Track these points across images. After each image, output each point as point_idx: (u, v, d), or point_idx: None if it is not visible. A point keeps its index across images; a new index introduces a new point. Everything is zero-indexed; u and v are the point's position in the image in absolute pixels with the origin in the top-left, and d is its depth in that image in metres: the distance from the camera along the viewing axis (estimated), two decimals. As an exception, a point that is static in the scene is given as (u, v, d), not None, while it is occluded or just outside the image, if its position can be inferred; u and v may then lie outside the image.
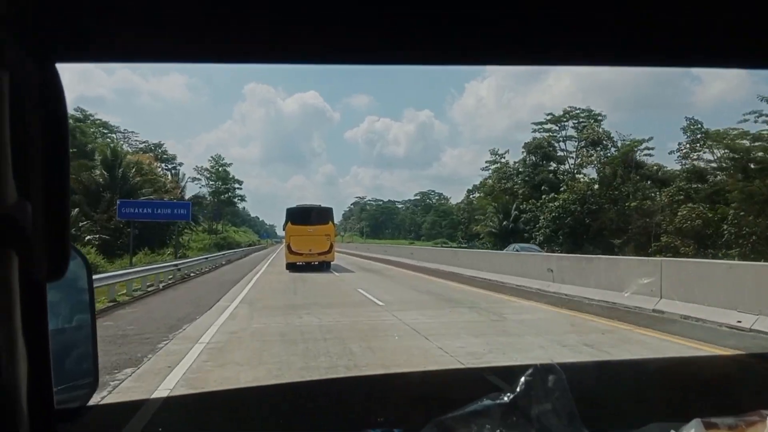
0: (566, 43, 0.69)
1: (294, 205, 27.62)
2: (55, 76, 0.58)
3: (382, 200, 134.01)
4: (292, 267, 24.64)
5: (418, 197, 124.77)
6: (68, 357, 0.95)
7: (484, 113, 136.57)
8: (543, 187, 53.02)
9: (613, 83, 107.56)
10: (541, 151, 57.37)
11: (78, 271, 0.98)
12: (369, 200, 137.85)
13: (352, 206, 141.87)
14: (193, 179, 70.40)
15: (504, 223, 53.58)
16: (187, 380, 5.66)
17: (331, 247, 25.67)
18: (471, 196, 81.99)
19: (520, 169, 58.63)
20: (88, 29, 0.61)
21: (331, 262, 25.76)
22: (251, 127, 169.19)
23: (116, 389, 5.34)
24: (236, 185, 79.25)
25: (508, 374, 0.87)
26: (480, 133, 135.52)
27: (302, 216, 25.99)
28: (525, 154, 58.50)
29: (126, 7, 0.59)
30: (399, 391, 1.08)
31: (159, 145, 63.97)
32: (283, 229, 27.34)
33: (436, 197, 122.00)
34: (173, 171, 59.61)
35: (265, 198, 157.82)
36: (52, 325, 0.77)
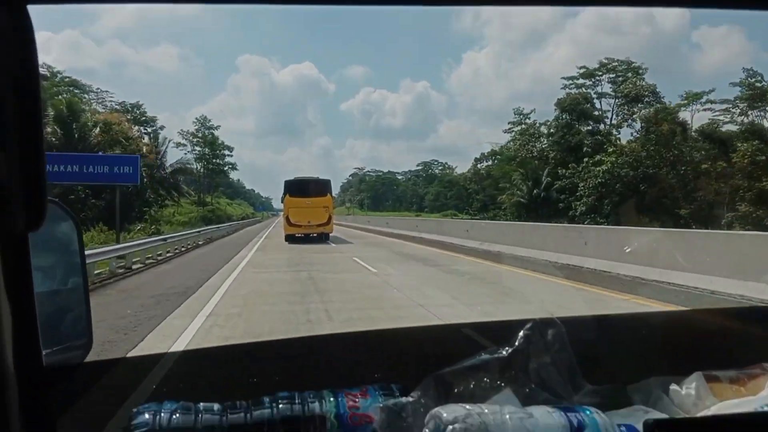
0: None
1: (292, 178, 27.50)
2: (26, 18, 0.55)
3: (381, 171, 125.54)
4: (291, 239, 24.75)
5: (420, 167, 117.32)
6: (62, 317, 0.93)
7: (483, 83, 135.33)
8: (585, 149, 45.18)
9: (614, 51, 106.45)
10: (578, 109, 48.06)
11: (69, 232, 0.95)
12: (368, 171, 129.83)
13: (350, 178, 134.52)
14: (178, 145, 60.80)
15: (534, 191, 46.09)
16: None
17: (330, 218, 25.75)
18: (479, 166, 77.10)
19: (551, 130, 50.39)
20: None
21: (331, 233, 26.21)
22: (245, 99, 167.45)
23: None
24: (226, 152, 69.75)
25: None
26: (478, 103, 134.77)
27: (300, 188, 25.97)
28: (557, 112, 49.09)
29: None
30: (395, 346, 1.08)
31: (137, 106, 52.42)
32: (281, 202, 27.26)
33: (440, 167, 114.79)
34: (152, 135, 49.43)
35: (261, 171, 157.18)
36: (43, 287, 0.74)
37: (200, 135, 64.62)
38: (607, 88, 49.03)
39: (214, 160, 66.31)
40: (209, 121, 65.58)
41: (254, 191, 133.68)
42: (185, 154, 60.91)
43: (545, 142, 51.43)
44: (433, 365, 0.82)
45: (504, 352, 0.83)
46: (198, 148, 64.83)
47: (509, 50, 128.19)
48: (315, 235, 24.98)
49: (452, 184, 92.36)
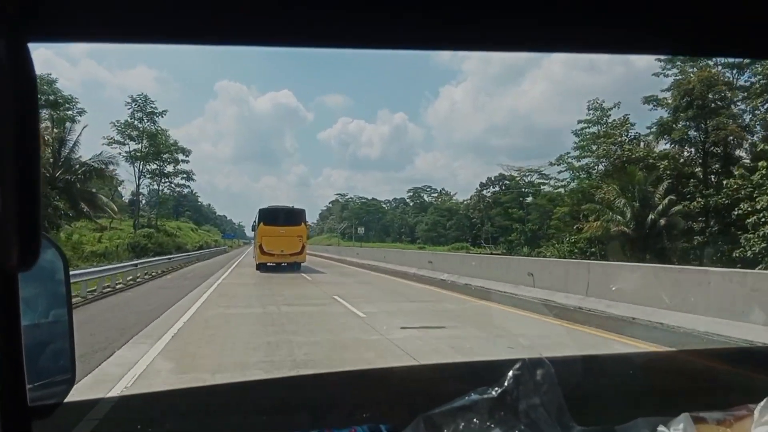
0: (566, 29, 0.67)
1: (266, 206, 27.70)
2: (26, 55, 0.55)
3: (366, 197, 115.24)
4: (263, 267, 24.71)
5: (410, 194, 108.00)
6: (44, 353, 0.91)
7: (459, 117, 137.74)
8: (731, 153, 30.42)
9: (589, 88, 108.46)
10: (717, 95, 31.57)
11: (54, 262, 0.93)
12: (351, 197, 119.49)
13: (330, 205, 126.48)
14: (111, 143, 43.37)
15: (650, 216, 29.82)
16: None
17: (303, 248, 25.75)
18: (484, 192, 72.80)
19: (674, 125, 33.24)
20: (59, 7, 0.58)
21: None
22: (223, 125, 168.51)
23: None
24: (181, 156, 49.56)
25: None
26: (454, 137, 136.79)
27: (274, 216, 25.97)
28: (676, 100, 32.45)
29: None
30: (383, 386, 1.07)
31: (48, 82, 35.46)
32: (252, 230, 27.36)
33: (434, 193, 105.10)
34: (55, 119, 33.27)
35: (236, 197, 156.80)
36: (27, 320, 0.73)
37: (135, 124, 44.03)
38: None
39: (156, 162, 46.77)
40: (152, 104, 44.62)
41: (226, 217, 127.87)
42: (119, 154, 42.53)
43: (654, 143, 36.27)
44: (422, 405, 0.81)
45: (493, 393, 0.83)
46: (132, 143, 44.57)
47: (487, 84, 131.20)
48: (286, 264, 24.95)
49: (451, 213, 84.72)
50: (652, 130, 36.77)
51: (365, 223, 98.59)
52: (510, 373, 0.84)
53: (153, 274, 21.75)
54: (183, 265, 28.94)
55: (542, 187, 64.90)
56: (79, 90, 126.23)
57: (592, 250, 33.48)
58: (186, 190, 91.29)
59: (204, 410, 0.96)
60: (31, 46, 0.56)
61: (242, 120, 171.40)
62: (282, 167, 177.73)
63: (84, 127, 34.34)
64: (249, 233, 31.02)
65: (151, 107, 44.92)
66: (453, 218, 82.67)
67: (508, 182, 70.43)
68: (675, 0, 0.64)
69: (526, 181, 68.27)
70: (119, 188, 47.17)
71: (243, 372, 6.10)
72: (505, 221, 65.49)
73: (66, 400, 0.83)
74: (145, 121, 44.68)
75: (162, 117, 45.45)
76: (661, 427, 0.86)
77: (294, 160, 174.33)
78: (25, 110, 0.54)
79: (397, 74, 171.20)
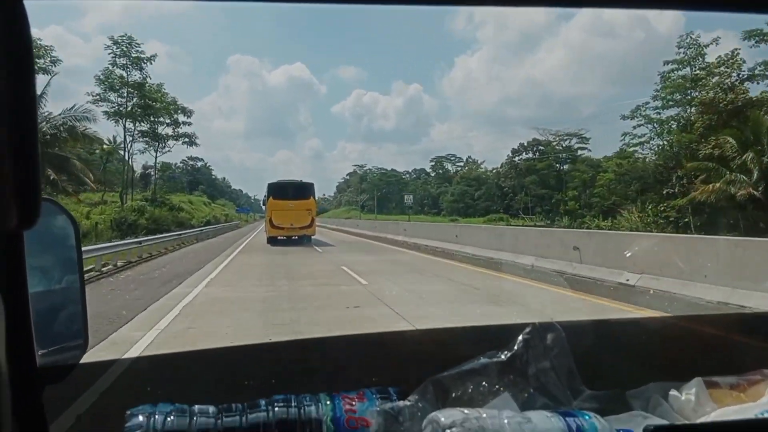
0: None
1: (275, 180, 27.88)
2: (22, 14, 0.54)
3: (384, 168, 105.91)
4: (273, 241, 25.24)
5: (433, 163, 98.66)
6: (57, 318, 0.92)
7: (474, 87, 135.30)
8: None
9: (607, 54, 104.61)
10: None
11: (65, 228, 0.93)
12: (369, 168, 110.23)
13: (347, 177, 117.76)
14: (97, 101, 34.83)
15: None
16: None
17: (312, 221, 26.18)
18: (516, 159, 65.77)
19: None
20: None
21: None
22: (236, 100, 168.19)
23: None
24: (181, 117, 41.04)
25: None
26: (470, 107, 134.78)
27: (283, 191, 26.44)
28: None
29: None
30: (393, 349, 1.07)
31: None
32: (263, 205, 27.58)
33: (459, 162, 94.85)
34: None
35: (251, 172, 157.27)
36: (39, 287, 0.74)
37: (117, 72, 35.65)
38: None
39: (148, 117, 37.71)
40: (137, 46, 35.61)
41: (242, 191, 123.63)
42: (106, 113, 34.88)
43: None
44: (431, 369, 0.81)
45: (503, 356, 0.83)
46: (112, 94, 35.85)
47: (502, 53, 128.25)
48: (296, 237, 25.44)
49: (479, 182, 77.52)
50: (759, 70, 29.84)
51: (385, 195, 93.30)
52: (520, 337, 0.84)
53: (118, 264, 14.71)
54: (179, 245, 23.38)
55: (580, 153, 61.74)
56: (92, 66, 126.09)
57: (685, 220, 26.35)
58: (199, 164, 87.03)
59: (212, 373, 0.97)
60: (26, 2, 0.54)
61: (256, 94, 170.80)
62: (296, 141, 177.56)
63: (53, 76, 27.74)
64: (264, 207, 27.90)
65: (138, 51, 35.82)
66: (482, 188, 75.84)
67: (542, 148, 65.60)
68: None
69: (564, 145, 63.42)
70: (127, 158, 40.74)
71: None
72: (541, 190, 60.95)
73: (81, 362, 0.84)
74: (131, 68, 35.86)
75: (151, 64, 36.74)
76: (673, 392, 0.86)
77: (308, 133, 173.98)
78: (20, 67, 0.53)
79: (411, 44, 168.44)
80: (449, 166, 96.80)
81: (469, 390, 0.80)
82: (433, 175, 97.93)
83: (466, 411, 0.73)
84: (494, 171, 77.01)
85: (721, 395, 0.85)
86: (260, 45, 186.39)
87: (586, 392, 0.84)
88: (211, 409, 0.74)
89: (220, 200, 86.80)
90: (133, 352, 5.54)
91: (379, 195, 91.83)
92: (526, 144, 68.71)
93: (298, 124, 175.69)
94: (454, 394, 0.80)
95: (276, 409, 0.75)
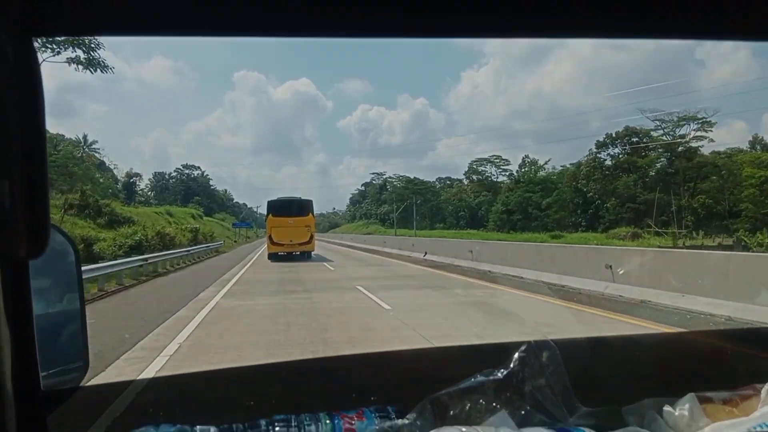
0: (581, 12, 0.66)
1: (275, 198, 28.68)
2: (31, 51, 0.56)
3: (408, 176, 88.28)
4: (274, 257, 25.64)
5: (475, 164, 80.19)
6: (58, 340, 0.93)
7: (481, 101, 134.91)
8: None
9: (616, 67, 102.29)
10: None
11: (65, 252, 0.95)
12: (390, 176, 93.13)
13: (362, 188, 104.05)
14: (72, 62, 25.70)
15: None
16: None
17: (312, 237, 26.71)
18: (602, 154, 50.64)
19: None
20: (62, 3, 0.59)
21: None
22: (242, 116, 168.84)
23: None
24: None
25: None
26: (476, 121, 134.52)
27: (283, 208, 27.04)
28: None
29: None
30: (391, 368, 1.08)
31: None
32: (265, 221, 28.29)
33: (506, 165, 74.91)
34: None
35: (258, 188, 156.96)
36: (40, 309, 0.75)
37: None
38: None
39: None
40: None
41: (246, 205, 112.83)
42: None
43: None
44: (429, 387, 0.82)
45: (499, 374, 0.84)
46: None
47: (509, 66, 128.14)
48: (298, 253, 25.87)
49: (546, 187, 59.00)
50: None
51: (410, 206, 74.33)
52: (516, 355, 0.85)
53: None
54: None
55: (699, 144, 45.12)
56: (97, 83, 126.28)
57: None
58: (196, 173, 78.16)
59: (210, 394, 0.98)
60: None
61: (262, 110, 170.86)
62: (302, 157, 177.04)
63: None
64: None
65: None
66: (551, 194, 57.06)
67: (639, 139, 49.82)
68: None
69: (676, 134, 46.54)
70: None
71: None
72: (647, 194, 44.49)
73: (81, 384, 0.85)
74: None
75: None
76: (667, 408, 0.87)
77: (314, 149, 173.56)
78: (30, 104, 0.55)
79: (417, 58, 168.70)
80: (491, 170, 77.52)
81: (467, 408, 0.81)
82: (466, 182, 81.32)
83: (464, 429, 0.74)
84: (568, 170, 57.55)
85: (715, 410, 0.86)
86: (266, 61, 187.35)
87: (581, 409, 0.86)
88: (213, 429, 0.75)
89: (220, 214, 78.91)
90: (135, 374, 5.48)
91: (404, 206, 74.16)
92: (614, 135, 51.09)
93: (304, 139, 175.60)
94: (452, 412, 0.81)
95: (276, 428, 0.76)
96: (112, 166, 43.69)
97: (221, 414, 0.80)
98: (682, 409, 0.86)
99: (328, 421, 0.77)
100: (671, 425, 0.85)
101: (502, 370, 0.84)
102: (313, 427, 0.76)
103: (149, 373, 5.52)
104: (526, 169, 69.65)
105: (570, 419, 0.84)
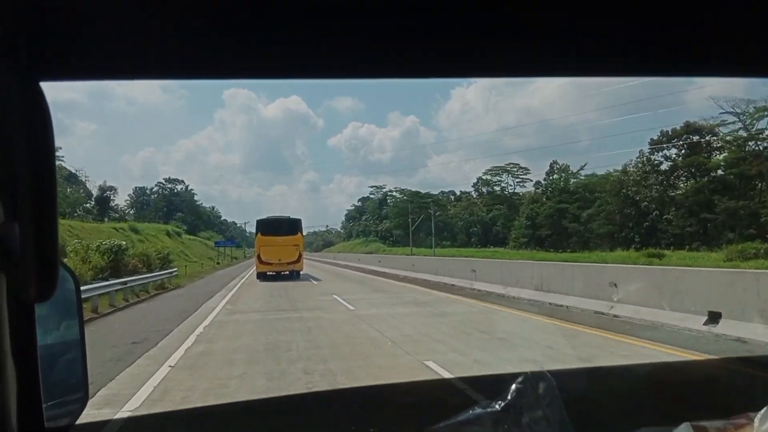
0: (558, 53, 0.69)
1: (265, 217, 28.70)
2: (40, 94, 0.57)
3: (409, 189, 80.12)
4: (262, 276, 25.33)
5: (491, 174, 69.06)
6: (58, 373, 0.94)
7: (471, 118, 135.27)
8: None
9: (605, 84, 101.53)
10: None
11: (65, 285, 0.96)
12: (391, 190, 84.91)
13: (358, 203, 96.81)
14: None
15: None
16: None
17: (300, 256, 26.60)
18: (659, 156, 39.62)
19: None
20: (70, 47, 0.61)
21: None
22: (232, 134, 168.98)
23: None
24: None
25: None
26: (466, 138, 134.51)
27: (271, 227, 26.94)
28: None
29: (105, 27, 0.60)
30: (389, 401, 1.09)
31: None
32: (254, 240, 28.01)
33: (526, 174, 64.77)
34: None
35: (248, 206, 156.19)
36: (40, 341, 0.76)
37: None
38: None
39: None
40: None
41: (236, 224, 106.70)
42: None
43: None
44: (426, 420, 0.82)
45: (497, 406, 0.85)
46: None
47: (498, 82, 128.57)
48: (286, 272, 25.57)
49: (583, 197, 47.33)
50: None
51: (413, 222, 66.37)
52: (513, 387, 0.86)
53: None
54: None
55: None
56: (87, 102, 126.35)
57: None
58: (179, 187, 71.32)
59: (209, 430, 0.97)
60: (43, 85, 0.58)
61: (252, 128, 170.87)
62: (293, 175, 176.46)
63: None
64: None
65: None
66: (594, 203, 44.99)
67: (694, 136, 39.02)
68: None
69: (753, 128, 35.55)
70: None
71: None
72: (727, 200, 33.22)
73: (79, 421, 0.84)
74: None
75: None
76: None
77: (305, 167, 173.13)
78: (40, 147, 0.56)
79: (408, 82, 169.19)
80: (509, 180, 66.87)
81: (465, 441, 0.82)
82: (475, 195, 71.16)
83: None
84: (602, 177, 46.44)
85: (709, 440, 0.87)
86: (256, 79, 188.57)
87: None
88: None
89: (206, 232, 73.65)
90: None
91: (409, 221, 65.30)
92: (671, 132, 40.52)
93: (295, 157, 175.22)
94: None
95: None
96: (84, 179, 42.17)
97: None
98: (676, 438, 0.86)
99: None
100: (666, 455, 0.85)
101: (500, 402, 0.85)
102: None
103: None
104: (556, 176, 58.27)
105: None
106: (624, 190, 41.68)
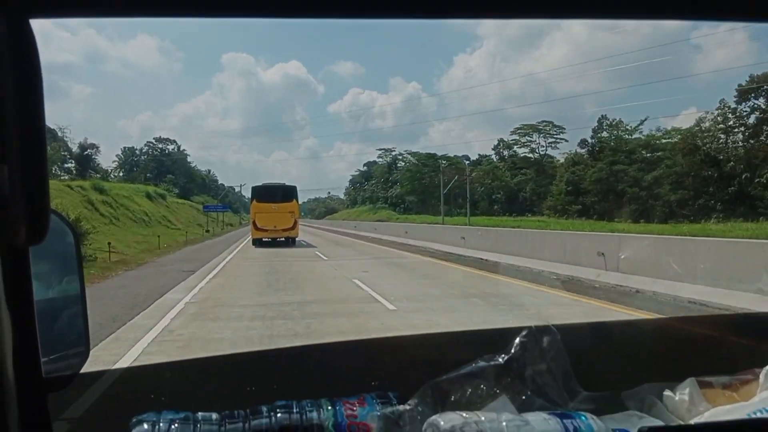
0: None
1: (261, 183, 28.38)
2: (28, 32, 0.55)
3: (418, 152, 73.38)
4: (258, 242, 25.43)
5: (517, 133, 60.94)
6: (58, 325, 0.93)
7: (474, 85, 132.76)
8: None
9: (612, 50, 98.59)
10: None
11: (64, 238, 0.95)
12: (401, 153, 78.35)
13: (365, 168, 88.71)
14: None
15: None
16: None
17: (296, 223, 26.69)
18: (743, 106, 32.46)
19: None
20: None
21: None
22: (231, 99, 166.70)
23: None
24: None
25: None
26: (469, 106, 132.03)
27: (266, 194, 26.89)
28: None
29: None
30: (392, 354, 1.09)
31: None
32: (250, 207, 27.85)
33: (561, 134, 56.31)
34: None
35: (247, 172, 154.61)
36: (40, 295, 0.75)
37: None
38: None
39: None
40: None
41: (234, 189, 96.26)
42: None
43: None
44: (430, 373, 0.82)
45: (500, 360, 0.84)
46: None
47: (503, 49, 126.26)
48: (282, 239, 25.72)
49: (644, 159, 39.65)
50: None
51: (425, 188, 61.39)
52: (517, 340, 0.85)
53: None
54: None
55: None
56: (83, 64, 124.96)
57: None
58: (170, 147, 65.22)
59: (211, 379, 0.98)
60: (32, 22, 0.55)
61: (251, 93, 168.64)
62: (293, 141, 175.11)
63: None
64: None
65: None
66: (659, 165, 37.36)
67: None
68: None
69: None
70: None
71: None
72: None
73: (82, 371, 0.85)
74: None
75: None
76: (667, 392, 0.87)
77: (304, 133, 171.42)
78: (28, 88, 0.54)
79: (410, 41, 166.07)
80: (539, 140, 57.92)
81: (468, 393, 0.82)
82: (496, 158, 63.69)
83: (465, 414, 0.74)
84: (668, 132, 38.35)
85: (715, 395, 0.87)
86: (255, 42, 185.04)
87: (582, 394, 0.86)
88: (214, 416, 0.76)
89: (200, 196, 67.81)
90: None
91: (423, 186, 59.10)
92: (757, 77, 32.69)
93: (294, 123, 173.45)
94: (453, 398, 0.81)
95: (278, 415, 0.76)
96: (61, 134, 38.99)
97: (222, 400, 0.80)
98: (682, 394, 0.86)
99: (329, 407, 0.78)
100: (671, 409, 0.86)
101: (503, 356, 0.84)
102: (314, 414, 0.77)
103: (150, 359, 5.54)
104: (605, 134, 47.93)
105: (570, 404, 0.85)
106: (704, 147, 34.10)
